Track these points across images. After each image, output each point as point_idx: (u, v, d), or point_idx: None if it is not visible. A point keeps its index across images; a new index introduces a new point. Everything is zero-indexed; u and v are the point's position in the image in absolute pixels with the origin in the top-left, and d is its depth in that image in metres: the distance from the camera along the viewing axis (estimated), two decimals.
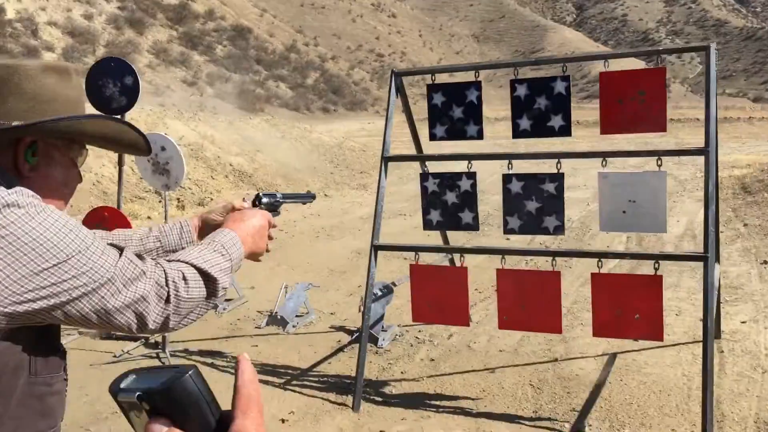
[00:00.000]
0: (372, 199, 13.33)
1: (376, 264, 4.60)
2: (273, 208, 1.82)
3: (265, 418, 4.06)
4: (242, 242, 1.46)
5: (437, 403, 4.34)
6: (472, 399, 4.38)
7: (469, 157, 4.42)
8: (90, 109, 4.85)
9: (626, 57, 4.38)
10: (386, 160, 4.73)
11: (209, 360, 5.12)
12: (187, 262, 1.29)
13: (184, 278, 1.25)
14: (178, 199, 12.55)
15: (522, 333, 5.38)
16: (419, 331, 5.66)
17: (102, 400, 4.40)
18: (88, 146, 1.37)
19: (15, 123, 1.18)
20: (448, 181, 4.46)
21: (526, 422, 4.02)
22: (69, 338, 5.41)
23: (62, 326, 1.22)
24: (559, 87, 4.19)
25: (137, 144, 1.40)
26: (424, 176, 4.58)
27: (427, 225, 4.59)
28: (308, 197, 2.06)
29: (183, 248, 1.59)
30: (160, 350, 5.20)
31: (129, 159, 8.78)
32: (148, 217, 11.37)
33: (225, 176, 14.60)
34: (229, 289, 5.09)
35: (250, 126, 18.45)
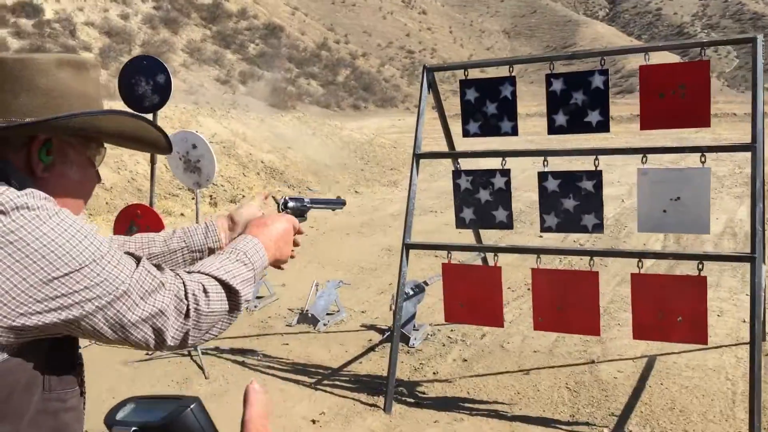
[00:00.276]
0: (402, 195, 13.25)
1: (408, 263, 4.53)
2: (300, 214, 1.72)
3: (296, 418, 4.03)
4: (265, 249, 1.38)
5: (470, 405, 4.25)
6: (507, 401, 4.28)
7: (503, 154, 4.31)
8: (119, 107, 4.85)
9: (668, 50, 4.23)
10: (418, 157, 4.64)
11: (240, 358, 5.09)
12: (207, 274, 1.21)
13: (205, 291, 1.18)
14: (211, 196, 12.61)
15: (557, 334, 5.26)
16: (451, 330, 5.57)
17: None
18: (107, 145, 1.31)
19: (27, 120, 1.11)
20: (482, 178, 4.36)
21: (563, 427, 3.91)
22: None
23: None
24: (597, 81, 4.06)
25: (157, 142, 1.32)
26: (457, 173, 4.48)
27: (460, 223, 4.49)
28: (338, 203, 1.97)
29: (209, 248, 1.52)
30: (192, 348, 5.19)
31: (161, 157, 8.82)
32: (182, 214, 11.44)
33: (256, 173, 14.64)
34: (256, 292, 5.06)
35: (282, 123, 18.49)
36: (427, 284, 5.60)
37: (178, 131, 5.74)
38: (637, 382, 4.47)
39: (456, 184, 4.44)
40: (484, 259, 5.68)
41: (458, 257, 4.83)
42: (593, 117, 4.07)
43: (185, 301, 1.14)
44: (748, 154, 3.60)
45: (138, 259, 1.12)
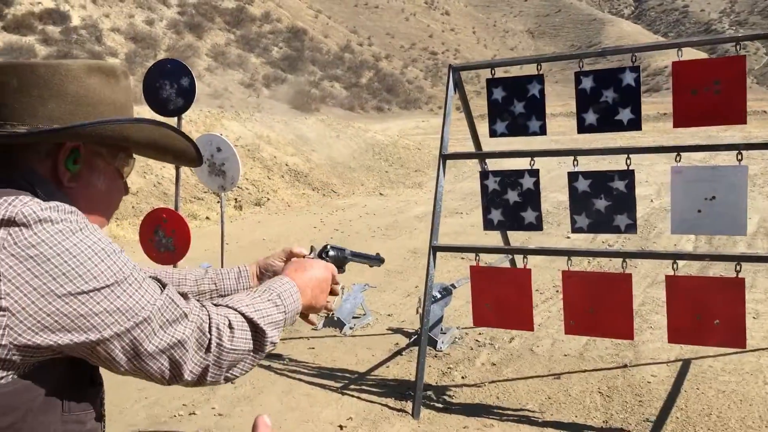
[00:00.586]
0: (427, 197, 13.17)
1: (435, 265, 4.46)
2: (339, 264, 1.65)
3: (323, 423, 3.98)
4: (301, 293, 1.31)
5: (500, 410, 4.17)
6: (537, 407, 4.19)
7: (531, 154, 4.22)
8: (147, 113, 4.85)
9: (701, 45, 4.11)
10: (444, 158, 4.57)
11: (266, 362, 5.06)
12: (236, 309, 1.15)
13: (230, 326, 1.12)
14: (236, 199, 12.65)
15: (588, 337, 5.15)
16: (479, 333, 5.49)
17: (160, 403, 4.39)
18: (135, 156, 1.27)
19: (54, 126, 1.07)
20: (510, 178, 4.28)
21: None
22: None
23: None
24: (628, 78, 3.96)
25: (186, 153, 1.27)
26: (484, 174, 4.40)
27: (488, 225, 4.41)
28: (376, 260, 1.91)
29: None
30: None
31: None
32: (207, 218, 11.49)
33: (281, 176, 14.67)
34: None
35: (305, 126, 18.52)
36: (454, 287, 5.52)
37: (202, 134, 5.74)
38: (672, 386, 4.35)
39: (484, 185, 4.37)
40: (512, 261, 5.59)
41: (485, 259, 4.74)
42: (624, 115, 3.97)
43: (208, 335, 1.08)
44: None
45: (163, 286, 1.07)
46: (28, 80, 1.08)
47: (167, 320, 1.03)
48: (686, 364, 4.69)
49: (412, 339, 5.41)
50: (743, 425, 3.79)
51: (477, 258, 4.36)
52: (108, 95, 1.15)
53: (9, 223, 0.93)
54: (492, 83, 4.37)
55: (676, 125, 3.89)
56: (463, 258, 7.95)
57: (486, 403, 4.29)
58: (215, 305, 1.15)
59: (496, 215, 4.34)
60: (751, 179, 13.98)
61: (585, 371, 4.68)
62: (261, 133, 16.24)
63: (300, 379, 4.73)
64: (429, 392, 4.44)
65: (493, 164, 5.13)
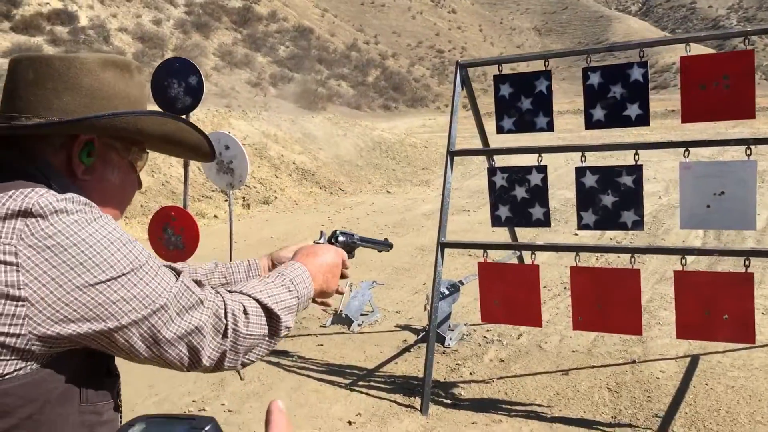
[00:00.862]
0: (434, 195, 13.18)
1: (443, 262, 4.47)
2: (348, 249, 1.68)
3: (332, 419, 3.99)
4: (312, 279, 1.33)
5: (509, 406, 4.17)
6: (546, 402, 4.20)
7: (539, 150, 4.22)
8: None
9: (710, 39, 4.10)
10: (452, 154, 4.58)
11: (275, 359, 5.08)
12: (250, 295, 1.17)
13: (245, 312, 1.13)
14: (244, 197, 12.69)
15: (596, 333, 5.15)
16: (487, 330, 5.50)
17: (170, 399, 4.41)
18: (148, 150, 1.28)
19: (69, 118, 1.08)
20: (518, 175, 4.28)
21: (605, 428, 3.82)
22: None
23: None
24: (636, 74, 3.96)
25: (200, 146, 1.28)
26: (492, 171, 4.41)
27: (496, 222, 4.41)
28: (385, 245, 1.93)
29: None
30: None
31: None
32: (215, 216, 11.53)
33: (288, 174, 14.70)
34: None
35: (312, 125, 18.54)
36: (462, 283, 5.53)
37: (210, 132, 5.76)
38: (681, 382, 4.35)
39: (491, 181, 4.37)
40: (520, 258, 5.59)
41: (493, 256, 4.75)
42: (632, 111, 3.96)
43: (224, 321, 1.10)
44: None
45: (178, 273, 1.08)
46: (43, 73, 1.10)
47: (183, 307, 1.04)
48: (695, 359, 4.68)
49: (420, 336, 5.43)
50: (752, 420, 3.78)
51: (485, 254, 4.36)
52: (122, 89, 1.15)
53: (26, 214, 0.94)
54: (499, 79, 4.36)
55: (684, 120, 3.88)
56: (470, 255, 7.95)
57: (494, 398, 4.29)
58: (230, 291, 1.17)
59: (504, 212, 4.34)
60: (760, 176, 13.92)
61: (593, 367, 4.68)
62: (268, 132, 16.27)
63: (309, 376, 4.75)
64: (437, 388, 4.45)
65: (500, 161, 5.13)
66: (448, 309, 5.30)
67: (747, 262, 3.51)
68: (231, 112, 17.52)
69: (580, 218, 4.06)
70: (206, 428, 0.55)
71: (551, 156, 4.53)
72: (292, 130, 17.35)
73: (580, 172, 4.04)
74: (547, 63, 4.25)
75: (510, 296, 4.21)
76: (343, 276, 1.50)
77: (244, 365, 1.17)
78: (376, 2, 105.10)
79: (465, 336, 5.42)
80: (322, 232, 1.68)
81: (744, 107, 3.69)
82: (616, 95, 3.99)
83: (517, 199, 4.27)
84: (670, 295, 5.78)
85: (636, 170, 3.88)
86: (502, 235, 7.39)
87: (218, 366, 1.11)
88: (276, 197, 13.24)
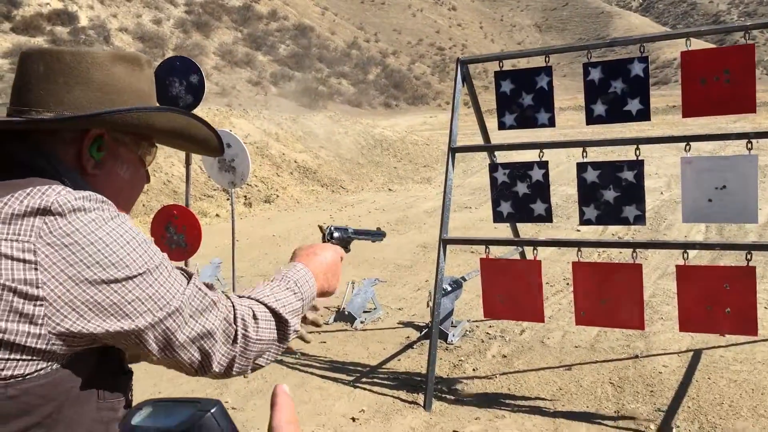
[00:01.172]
0: (436, 192, 13.19)
1: (445, 258, 4.48)
2: (344, 244, 1.68)
3: (335, 416, 4.01)
4: (315, 278, 1.32)
5: (512, 401, 4.18)
6: (549, 397, 4.21)
7: (540, 146, 4.23)
8: None
9: (710, 34, 4.10)
10: (453, 151, 4.58)
11: (278, 357, 5.09)
12: (259, 300, 1.17)
13: (254, 317, 1.13)
14: (245, 196, 12.70)
15: (598, 328, 5.16)
16: (490, 326, 5.51)
17: (174, 397, 4.42)
18: (157, 144, 1.28)
19: (80, 113, 1.08)
20: (519, 171, 4.28)
21: (608, 423, 3.82)
22: None
23: None
24: (637, 69, 3.96)
25: (208, 141, 1.28)
26: (494, 167, 4.41)
27: (498, 217, 4.42)
28: (378, 235, 1.94)
29: None
30: None
31: (196, 157, 8.90)
32: (217, 215, 11.55)
33: (290, 173, 14.71)
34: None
35: (313, 123, 18.56)
36: (465, 280, 5.54)
37: None
38: (683, 376, 4.36)
39: (493, 177, 4.37)
40: (522, 254, 5.59)
41: (495, 252, 4.76)
42: (633, 106, 3.96)
43: (234, 326, 1.10)
44: None
45: (189, 276, 1.08)
46: (54, 67, 1.10)
47: (197, 309, 1.05)
48: (697, 354, 4.69)
49: (423, 332, 5.44)
50: (755, 414, 3.79)
51: (487, 250, 4.37)
52: (132, 83, 1.16)
53: (45, 212, 0.94)
54: (500, 76, 4.37)
55: (685, 115, 3.88)
56: (473, 252, 7.96)
57: (497, 394, 4.30)
58: (238, 296, 1.17)
59: (505, 207, 4.35)
60: (761, 170, 13.91)
61: (596, 362, 4.69)
62: (269, 131, 16.28)
63: (312, 373, 4.76)
64: (440, 384, 4.46)
65: (502, 157, 5.14)
66: (450, 305, 5.31)
67: (749, 256, 3.51)
68: (232, 111, 17.54)
69: (582, 213, 4.06)
70: (212, 410, 0.55)
71: (552, 152, 4.53)
72: (293, 128, 17.36)
73: (581, 167, 4.05)
74: (547, 59, 4.25)
75: (512, 292, 4.22)
76: None
77: (253, 370, 1.17)
78: (376, 0, 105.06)
79: (468, 332, 5.43)
80: (320, 226, 1.69)
81: (745, 102, 3.69)
82: (617, 90, 4.00)
83: (519, 194, 4.27)
84: (672, 290, 5.78)
85: (637, 165, 3.88)
86: (504, 231, 7.40)
87: (227, 372, 1.11)
88: (278, 196, 13.26)
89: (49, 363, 0.94)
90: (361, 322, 5.75)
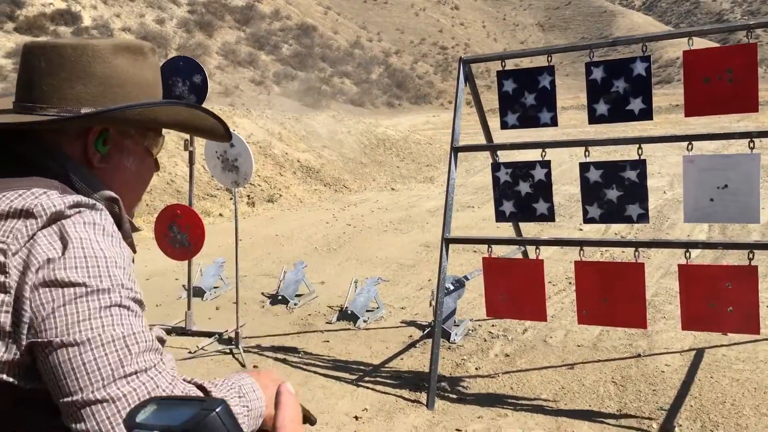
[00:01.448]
0: (438, 192, 13.19)
1: (448, 257, 4.48)
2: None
3: (338, 415, 4.02)
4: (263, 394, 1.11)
5: (514, 400, 4.19)
6: (551, 396, 4.22)
7: (543, 145, 4.24)
8: None
9: (713, 33, 4.11)
10: (456, 150, 4.59)
11: (281, 356, 5.11)
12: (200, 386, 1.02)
13: None
14: (248, 196, 12.72)
15: (601, 327, 5.17)
16: (492, 325, 5.51)
17: None
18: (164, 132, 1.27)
19: (84, 110, 1.09)
20: (521, 170, 4.29)
21: (610, 421, 3.83)
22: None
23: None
24: (639, 68, 3.97)
25: (215, 129, 1.28)
26: (496, 166, 4.42)
27: (500, 217, 4.43)
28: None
29: None
30: (233, 346, 5.23)
31: (200, 158, 8.92)
32: (220, 215, 11.56)
33: (293, 172, 14.72)
34: (296, 290, 5.04)
35: (316, 122, 18.56)
36: (467, 279, 5.54)
37: None
38: (686, 375, 4.36)
39: (495, 177, 4.38)
40: (525, 253, 5.60)
41: (497, 251, 4.76)
42: (635, 105, 3.97)
43: None
44: None
45: (161, 341, 1.01)
46: (55, 62, 1.10)
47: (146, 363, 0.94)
48: (700, 353, 4.69)
49: (425, 331, 5.45)
50: (757, 413, 3.79)
51: (489, 250, 4.38)
52: (135, 74, 1.15)
53: (27, 215, 0.95)
54: (502, 75, 4.38)
55: (687, 114, 3.89)
56: (475, 251, 7.96)
57: (500, 393, 4.31)
58: (186, 381, 1.02)
59: (508, 207, 4.36)
60: (763, 169, 13.88)
61: (598, 361, 4.69)
62: (272, 130, 16.29)
63: (315, 372, 4.77)
64: (443, 383, 4.47)
65: (504, 157, 5.15)
66: (453, 304, 5.32)
67: (751, 255, 3.52)
68: (235, 111, 17.55)
69: (585, 212, 4.07)
70: (217, 410, 0.54)
71: (555, 152, 4.54)
72: (296, 128, 17.37)
73: (584, 167, 4.05)
74: (550, 58, 4.26)
75: (515, 291, 4.23)
76: None
77: None
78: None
79: (470, 331, 5.43)
80: None
81: (747, 101, 3.69)
82: (620, 90, 4.00)
83: (521, 194, 4.28)
84: (675, 289, 5.79)
85: (640, 164, 3.89)
86: (507, 231, 7.40)
87: None
88: (281, 195, 13.27)
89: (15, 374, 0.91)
90: (364, 321, 5.76)
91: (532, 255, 5.20)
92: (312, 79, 51.32)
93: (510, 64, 4.42)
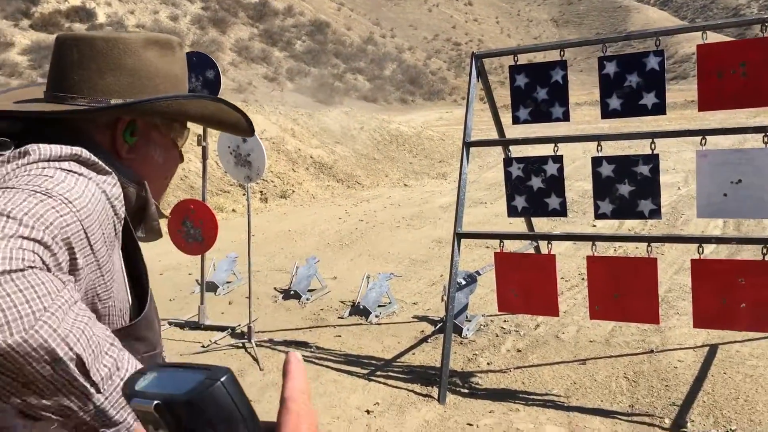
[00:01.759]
0: (451, 188, 13.17)
1: (460, 252, 4.49)
2: None
3: (350, 408, 4.04)
4: None
5: (526, 395, 4.19)
6: (563, 392, 4.21)
7: (555, 140, 4.22)
8: None
9: (726, 27, 4.08)
10: (468, 145, 4.59)
11: (293, 350, 5.13)
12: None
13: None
14: (261, 191, 12.76)
15: (614, 323, 5.16)
16: (504, 321, 5.51)
17: None
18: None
19: (113, 101, 1.12)
20: (534, 165, 4.28)
21: (622, 417, 3.82)
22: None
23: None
24: (652, 62, 3.94)
25: (238, 124, 1.31)
26: (508, 161, 4.42)
27: (512, 212, 4.42)
28: None
29: None
30: (246, 340, 5.26)
31: (212, 153, 8.96)
32: (233, 210, 11.62)
33: (306, 168, 14.76)
34: (308, 285, 5.06)
35: (329, 119, 18.58)
36: (479, 274, 5.54)
37: None
38: (699, 371, 4.34)
39: (507, 172, 4.38)
40: (537, 248, 5.59)
41: (509, 247, 4.75)
42: (649, 99, 3.95)
43: None
44: None
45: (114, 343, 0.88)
46: (87, 54, 1.13)
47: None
48: (713, 349, 4.67)
49: (437, 326, 5.45)
50: None
51: (501, 245, 4.37)
52: (164, 67, 1.18)
53: (24, 153, 0.97)
54: (515, 70, 4.37)
55: (701, 109, 3.86)
56: (488, 247, 7.96)
57: (511, 388, 4.31)
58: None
59: (520, 202, 4.35)
60: None
61: (611, 357, 4.68)
62: (285, 126, 16.34)
63: (327, 366, 4.79)
64: (454, 378, 4.48)
65: (516, 152, 5.14)
66: (465, 300, 5.33)
67: (765, 250, 3.49)
68: (248, 107, 17.61)
69: (597, 207, 4.06)
70: (222, 379, 0.51)
71: (568, 148, 4.53)
72: (309, 124, 17.41)
73: (596, 161, 4.04)
74: (562, 53, 4.24)
75: (527, 286, 4.22)
76: None
77: None
78: None
79: (482, 327, 5.44)
80: None
81: (762, 95, 3.66)
82: (633, 84, 3.98)
83: (534, 189, 4.28)
84: (688, 285, 5.75)
85: (653, 159, 3.87)
86: (519, 226, 7.39)
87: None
88: (293, 191, 13.31)
89: None
90: (376, 316, 5.78)
91: (544, 250, 5.19)
92: (325, 75, 51.38)
93: (523, 60, 4.41)
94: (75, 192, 0.93)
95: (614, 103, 4.05)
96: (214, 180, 12.26)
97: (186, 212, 5.27)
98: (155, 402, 0.51)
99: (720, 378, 4.21)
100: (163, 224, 7.03)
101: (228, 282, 6.84)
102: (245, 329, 5.36)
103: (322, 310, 6.12)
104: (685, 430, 3.65)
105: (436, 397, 4.20)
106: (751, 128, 3.83)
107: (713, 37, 3.80)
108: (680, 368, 4.41)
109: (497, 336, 5.23)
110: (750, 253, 6.60)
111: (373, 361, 4.89)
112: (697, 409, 3.85)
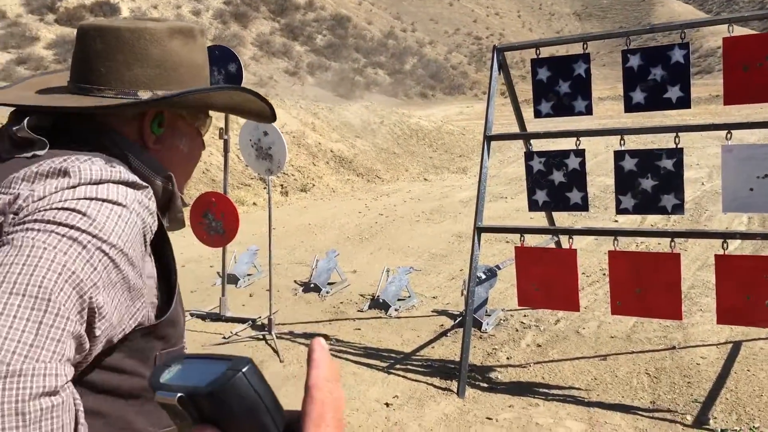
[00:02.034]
0: (471, 182, 13.13)
1: (480, 247, 4.47)
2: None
3: (369, 401, 4.05)
4: None
5: (546, 390, 4.18)
6: (584, 387, 4.19)
7: (577, 134, 4.19)
8: None
9: (753, 20, 4.02)
10: (489, 139, 4.57)
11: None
12: None
13: None
14: (282, 185, 12.81)
15: (635, 319, 5.11)
16: (524, 315, 5.49)
17: None
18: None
19: (141, 95, 1.12)
20: (555, 159, 4.25)
21: (643, 413, 3.80)
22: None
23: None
24: (677, 56, 3.89)
25: (262, 112, 1.33)
26: (529, 155, 4.39)
27: (533, 206, 4.40)
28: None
29: None
30: (266, 332, 5.29)
31: (234, 146, 9.01)
32: (254, 203, 11.68)
33: (326, 162, 14.78)
34: (328, 279, 5.08)
35: (350, 113, 18.59)
36: (499, 268, 5.52)
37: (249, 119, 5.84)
38: (722, 368, 4.29)
39: (528, 166, 4.35)
40: (558, 243, 5.56)
41: (530, 241, 4.73)
42: (673, 93, 3.90)
43: None
44: None
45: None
46: (112, 44, 1.13)
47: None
48: (737, 346, 4.61)
49: (457, 321, 5.45)
50: None
51: (522, 239, 4.35)
52: (187, 56, 1.19)
53: (64, 173, 0.94)
54: (537, 63, 4.34)
55: (726, 102, 3.81)
56: (508, 242, 7.93)
57: (531, 383, 4.30)
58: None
59: (541, 196, 4.33)
60: None
61: (632, 353, 4.65)
62: (306, 120, 16.37)
63: (347, 359, 4.81)
64: (474, 372, 4.47)
65: (537, 146, 5.11)
66: (485, 294, 5.31)
67: None
68: (269, 101, 17.67)
69: (618, 202, 4.02)
70: (243, 369, 0.52)
71: (591, 142, 4.50)
72: (330, 118, 17.43)
73: (618, 155, 4.00)
74: (585, 46, 4.21)
75: (547, 280, 4.20)
76: None
77: None
78: None
79: (502, 321, 5.42)
80: None
81: None
82: (657, 78, 3.94)
83: (555, 183, 4.25)
84: (711, 281, 5.69)
85: (676, 153, 3.83)
86: (540, 221, 7.35)
87: None
88: (314, 185, 13.35)
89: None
90: (396, 310, 5.79)
91: (565, 245, 5.16)
92: (346, 69, 51.40)
93: (545, 53, 4.38)
94: (109, 227, 0.92)
95: (638, 96, 4.01)
96: (235, 173, 12.33)
97: (207, 205, 5.31)
98: (179, 395, 0.52)
99: (743, 375, 4.16)
100: (186, 215, 7.11)
101: (249, 274, 6.89)
102: (266, 321, 5.40)
103: (341, 303, 6.14)
104: (707, 426, 3.62)
105: (455, 390, 4.20)
106: None
107: (738, 31, 3.74)
108: (703, 365, 4.37)
109: (517, 331, 5.21)
110: None
111: (393, 355, 4.90)
112: (720, 406, 3.81)
